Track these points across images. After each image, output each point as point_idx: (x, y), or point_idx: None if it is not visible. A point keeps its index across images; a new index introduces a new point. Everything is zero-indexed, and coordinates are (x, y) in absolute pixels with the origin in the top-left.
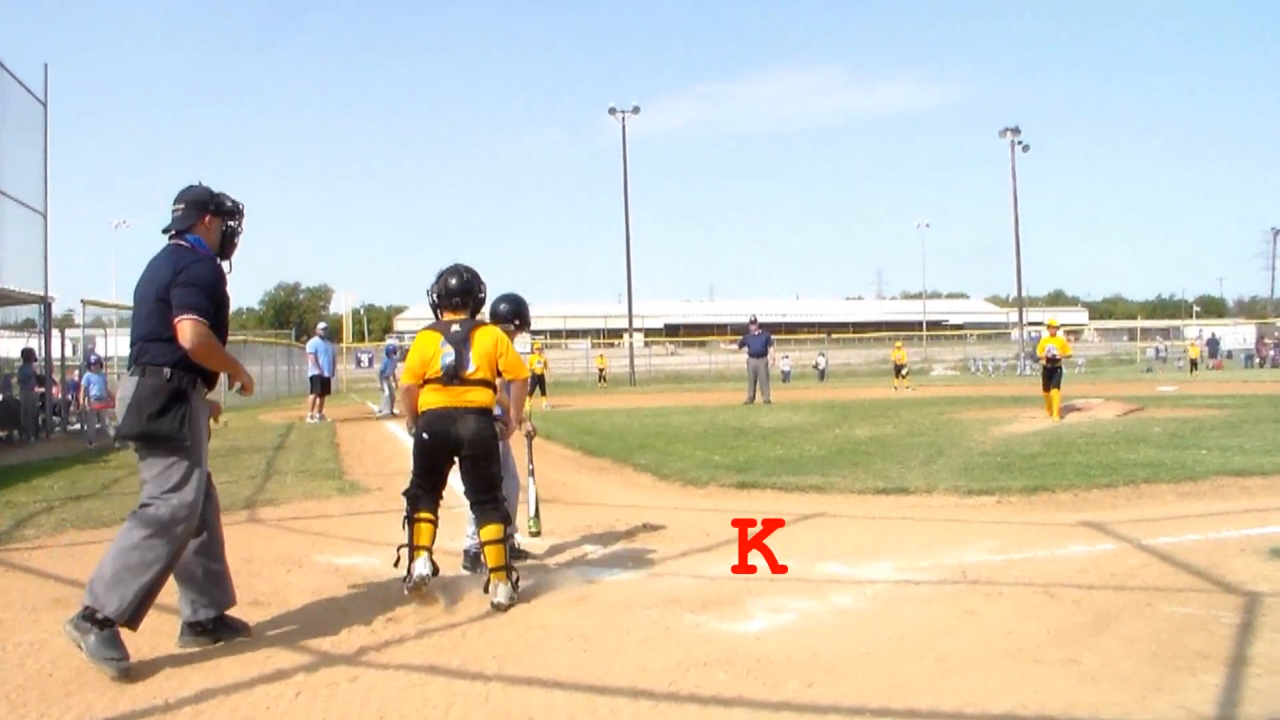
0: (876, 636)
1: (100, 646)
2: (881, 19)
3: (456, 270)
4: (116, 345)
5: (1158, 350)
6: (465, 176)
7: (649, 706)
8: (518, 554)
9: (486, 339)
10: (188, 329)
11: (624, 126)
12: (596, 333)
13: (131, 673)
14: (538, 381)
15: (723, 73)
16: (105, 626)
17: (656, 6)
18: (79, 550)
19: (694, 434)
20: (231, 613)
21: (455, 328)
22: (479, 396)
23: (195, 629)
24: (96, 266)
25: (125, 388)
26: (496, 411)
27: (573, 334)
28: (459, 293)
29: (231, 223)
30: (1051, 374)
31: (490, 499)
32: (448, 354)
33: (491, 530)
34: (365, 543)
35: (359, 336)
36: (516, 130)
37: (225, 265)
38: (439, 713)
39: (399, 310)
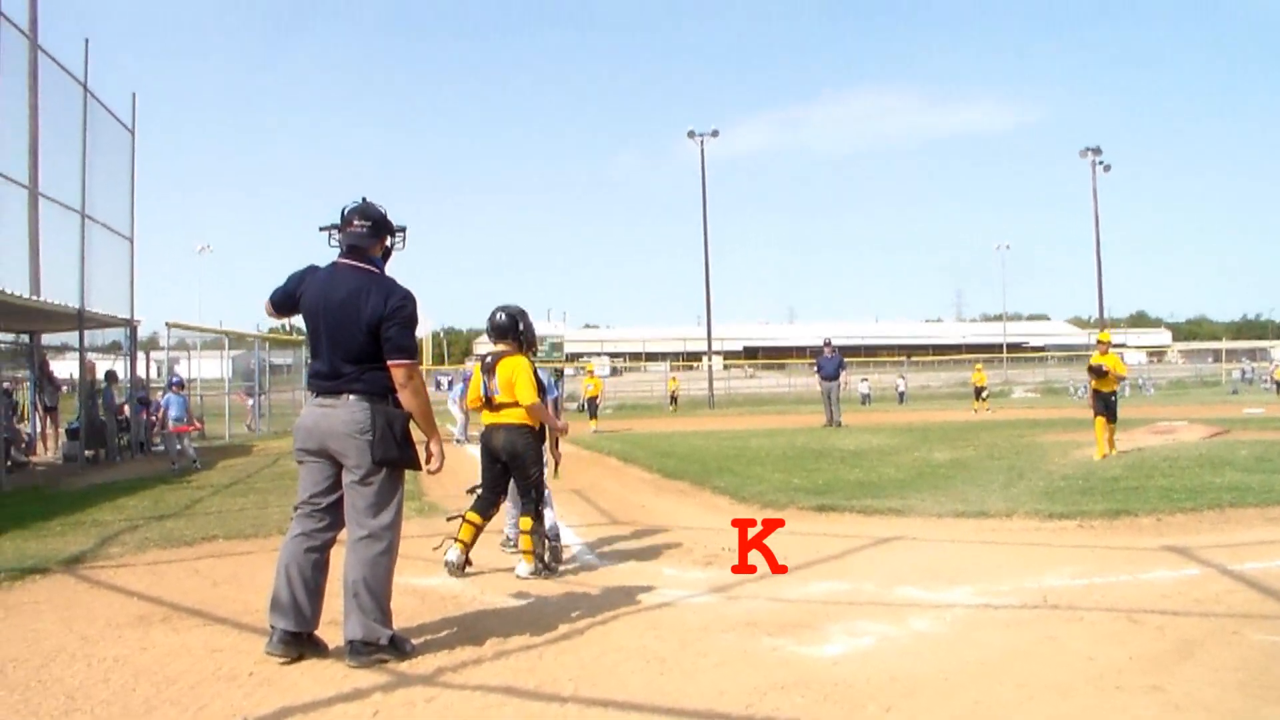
0: (955, 661)
1: (399, 652)
2: (956, 40)
3: (499, 310)
4: (200, 367)
5: (1243, 371)
6: (546, 202)
7: None
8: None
9: (506, 368)
10: (403, 375)
11: (702, 149)
12: (675, 355)
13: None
14: (590, 404)
15: (798, 97)
16: (391, 640)
17: (731, 30)
18: (161, 569)
19: (773, 456)
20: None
21: (488, 359)
22: (510, 415)
23: (286, 639)
24: (179, 290)
25: (347, 412)
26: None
27: (652, 357)
28: (497, 328)
29: (389, 243)
30: (1102, 396)
31: (525, 497)
32: (484, 382)
33: (524, 522)
34: (438, 562)
35: (439, 359)
36: (596, 156)
37: None
38: None
39: (478, 334)
